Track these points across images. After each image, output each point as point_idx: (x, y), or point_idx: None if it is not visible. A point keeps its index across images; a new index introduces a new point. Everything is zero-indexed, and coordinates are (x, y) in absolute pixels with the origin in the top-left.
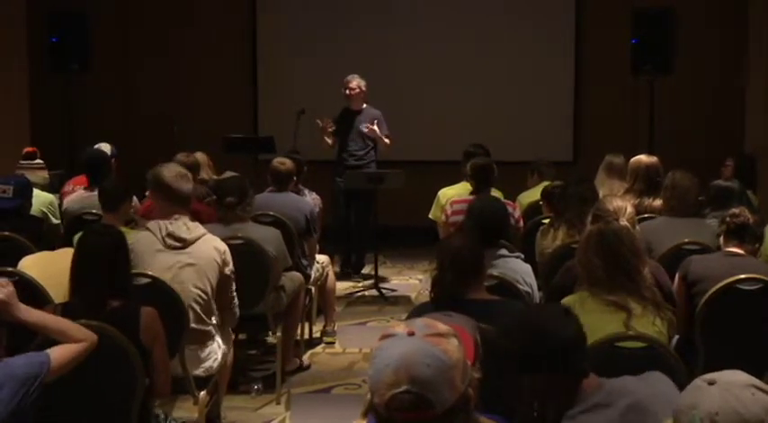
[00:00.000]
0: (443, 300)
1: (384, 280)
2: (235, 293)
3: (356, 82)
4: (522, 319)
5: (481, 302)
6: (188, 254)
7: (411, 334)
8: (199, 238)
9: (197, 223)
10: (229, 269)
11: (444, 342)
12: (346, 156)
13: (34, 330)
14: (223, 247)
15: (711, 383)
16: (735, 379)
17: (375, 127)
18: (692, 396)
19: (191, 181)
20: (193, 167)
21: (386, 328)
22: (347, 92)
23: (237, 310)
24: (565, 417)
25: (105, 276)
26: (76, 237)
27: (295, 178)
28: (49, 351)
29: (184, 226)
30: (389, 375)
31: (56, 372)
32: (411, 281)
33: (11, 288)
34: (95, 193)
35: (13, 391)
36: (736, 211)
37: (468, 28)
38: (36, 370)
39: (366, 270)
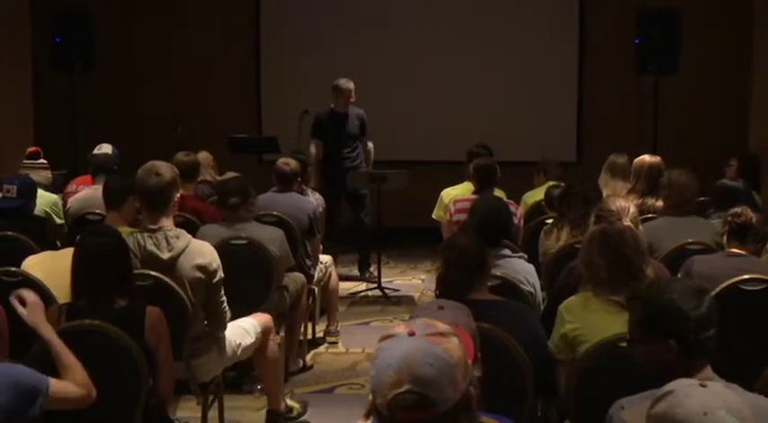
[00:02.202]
0: (448, 297)
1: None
2: (224, 299)
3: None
4: (658, 290)
5: (483, 302)
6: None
7: (412, 334)
8: (180, 255)
9: (180, 233)
10: (217, 278)
11: (445, 341)
12: (340, 159)
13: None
14: (207, 259)
15: (703, 385)
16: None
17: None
18: (702, 399)
19: (164, 176)
20: (194, 167)
21: (388, 328)
22: (350, 99)
23: (227, 315)
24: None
25: (112, 276)
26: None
27: (299, 178)
28: (49, 379)
29: (164, 240)
30: (391, 376)
31: (53, 401)
32: (414, 281)
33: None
34: (98, 191)
35: (9, 396)
36: (738, 210)
37: (471, 27)
38: (37, 380)
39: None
